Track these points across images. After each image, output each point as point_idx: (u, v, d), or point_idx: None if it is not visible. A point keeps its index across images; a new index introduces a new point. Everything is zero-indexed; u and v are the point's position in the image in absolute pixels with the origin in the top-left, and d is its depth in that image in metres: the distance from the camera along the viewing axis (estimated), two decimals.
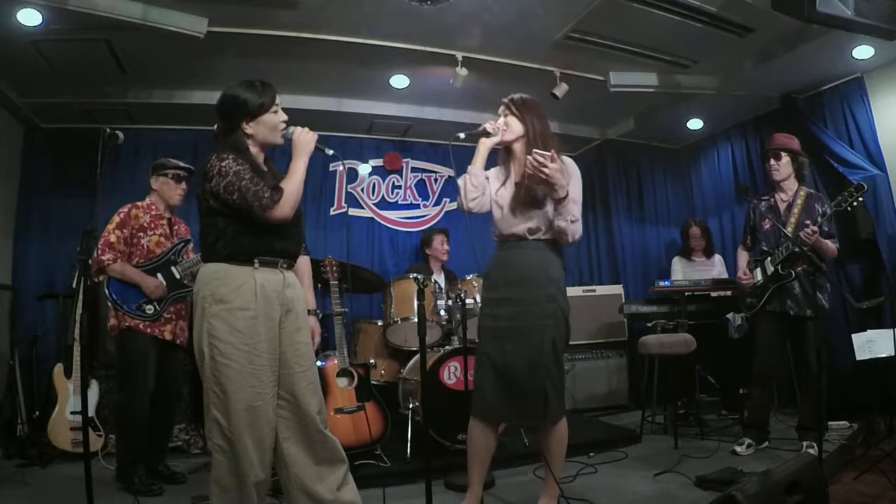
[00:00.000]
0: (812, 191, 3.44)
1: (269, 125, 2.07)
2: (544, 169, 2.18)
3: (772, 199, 3.46)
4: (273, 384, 1.96)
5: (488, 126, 2.41)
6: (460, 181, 2.43)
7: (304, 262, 2.29)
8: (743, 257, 3.64)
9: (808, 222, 3.17)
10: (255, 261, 1.96)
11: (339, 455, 2.08)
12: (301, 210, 2.12)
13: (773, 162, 3.42)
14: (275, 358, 1.97)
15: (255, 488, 1.90)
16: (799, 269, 3.26)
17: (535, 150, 2.23)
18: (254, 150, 2.09)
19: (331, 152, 2.18)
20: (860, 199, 3.08)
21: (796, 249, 3.15)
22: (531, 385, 2.27)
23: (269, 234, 1.98)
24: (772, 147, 3.48)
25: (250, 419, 1.89)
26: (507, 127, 2.41)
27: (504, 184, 2.46)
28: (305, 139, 2.08)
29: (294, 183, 2.00)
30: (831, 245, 3.23)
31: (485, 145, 2.43)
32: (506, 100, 2.46)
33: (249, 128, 2.05)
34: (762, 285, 3.41)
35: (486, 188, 2.45)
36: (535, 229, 2.35)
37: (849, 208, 3.13)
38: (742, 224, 3.78)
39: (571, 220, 2.28)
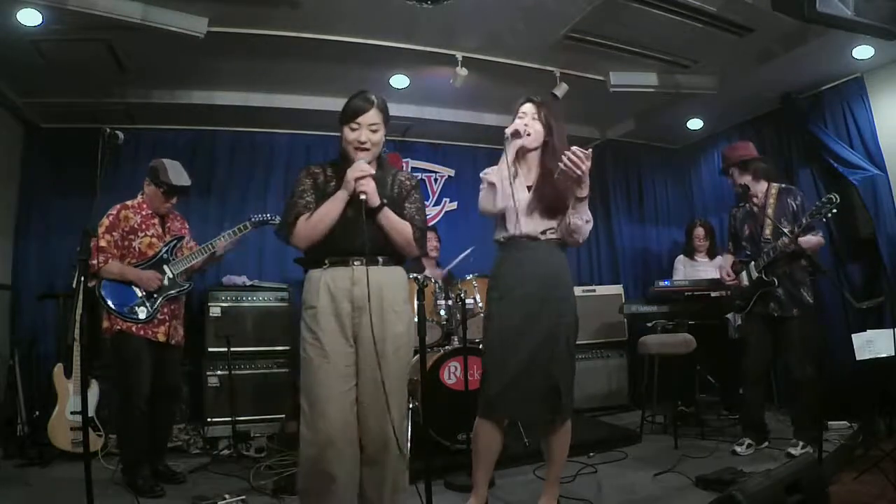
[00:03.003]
0: (783, 185, 3.49)
1: (345, 136, 2.14)
2: (581, 166, 2.17)
3: (747, 205, 3.54)
4: (344, 375, 2.03)
5: (519, 127, 2.37)
6: (497, 183, 2.34)
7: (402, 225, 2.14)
8: (727, 260, 3.71)
9: (788, 235, 3.20)
10: (326, 261, 2.08)
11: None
12: (385, 202, 2.09)
13: (729, 179, 3.63)
14: (347, 352, 2.04)
15: (335, 465, 1.96)
16: (780, 271, 3.31)
17: (573, 147, 2.21)
18: (354, 155, 2.12)
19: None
20: (834, 210, 3.05)
21: (780, 253, 3.24)
22: (545, 383, 2.29)
23: (335, 235, 2.05)
24: (721, 167, 3.72)
25: (323, 408, 1.98)
26: (532, 132, 2.37)
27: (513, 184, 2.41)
28: (350, 175, 2.04)
29: (316, 216, 2.06)
30: (813, 239, 3.25)
31: (514, 147, 2.37)
32: (536, 100, 2.44)
33: (344, 132, 2.14)
34: (748, 289, 3.46)
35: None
36: (549, 230, 2.36)
37: (823, 220, 3.15)
38: None
39: (586, 219, 2.31)
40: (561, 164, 2.22)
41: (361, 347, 2.05)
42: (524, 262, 2.36)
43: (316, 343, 2.02)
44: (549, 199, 2.33)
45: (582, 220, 2.30)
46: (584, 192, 2.25)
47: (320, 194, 2.11)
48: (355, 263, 2.06)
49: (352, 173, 2.02)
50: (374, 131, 2.11)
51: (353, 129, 2.10)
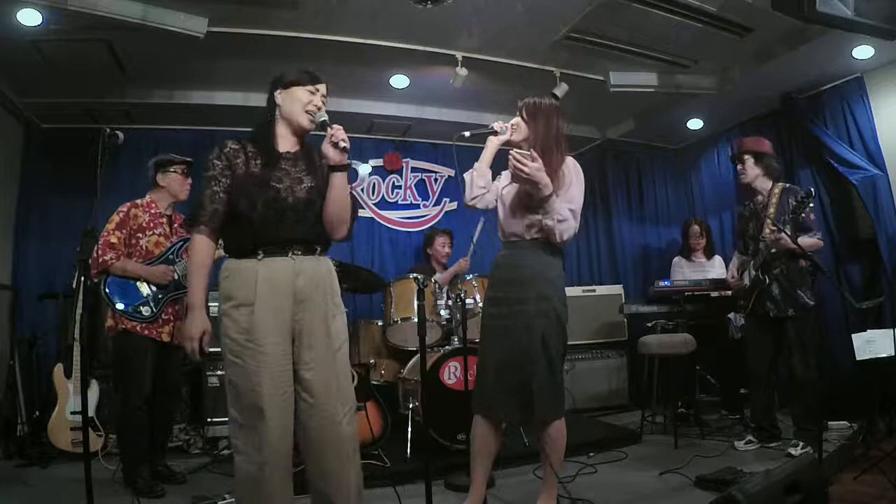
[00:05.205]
0: (787, 185, 3.46)
1: (294, 97, 1.99)
2: (523, 168, 2.20)
3: (751, 203, 3.53)
4: (284, 379, 1.86)
5: (496, 125, 2.44)
6: (467, 176, 2.47)
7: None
8: (734, 260, 3.70)
9: (773, 228, 3.20)
10: (260, 251, 1.88)
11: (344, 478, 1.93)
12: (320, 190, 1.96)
13: (739, 166, 3.55)
14: (286, 352, 1.87)
15: (275, 483, 1.82)
16: (776, 270, 3.30)
17: (513, 150, 2.25)
18: (282, 128, 2.02)
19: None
20: (811, 204, 3.09)
21: (772, 251, 3.25)
22: (518, 383, 2.29)
23: (270, 222, 1.88)
24: (736, 152, 3.62)
25: (260, 415, 1.80)
26: (516, 127, 2.43)
27: (510, 183, 2.47)
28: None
29: (191, 257, 1.94)
30: (808, 240, 3.22)
31: (493, 143, 2.45)
32: (520, 102, 2.48)
33: (279, 97, 2.02)
34: (748, 289, 3.45)
35: (491, 186, 2.49)
36: (532, 229, 2.37)
37: (802, 216, 3.13)
38: None
39: (559, 219, 2.28)
40: (509, 168, 2.28)
41: (306, 344, 1.88)
42: (508, 260, 2.42)
43: (251, 345, 1.82)
44: (522, 196, 2.37)
45: (553, 220, 2.28)
46: (545, 192, 2.25)
47: (240, 175, 1.94)
48: (295, 253, 1.90)
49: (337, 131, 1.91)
50: (324, 104, 2.03)
51: (311, 93, 2.00)
